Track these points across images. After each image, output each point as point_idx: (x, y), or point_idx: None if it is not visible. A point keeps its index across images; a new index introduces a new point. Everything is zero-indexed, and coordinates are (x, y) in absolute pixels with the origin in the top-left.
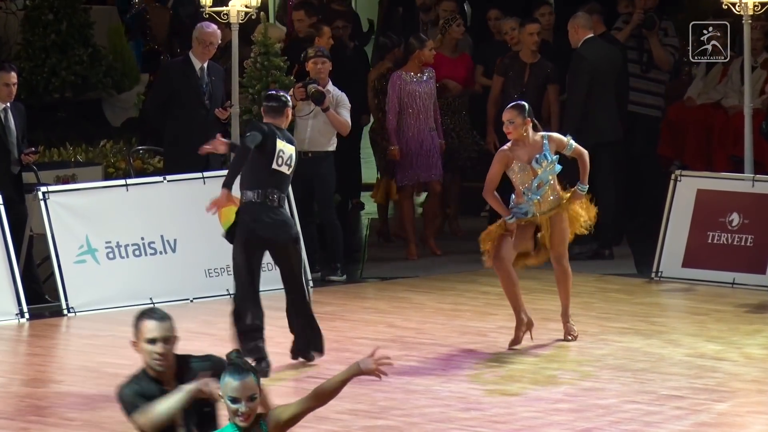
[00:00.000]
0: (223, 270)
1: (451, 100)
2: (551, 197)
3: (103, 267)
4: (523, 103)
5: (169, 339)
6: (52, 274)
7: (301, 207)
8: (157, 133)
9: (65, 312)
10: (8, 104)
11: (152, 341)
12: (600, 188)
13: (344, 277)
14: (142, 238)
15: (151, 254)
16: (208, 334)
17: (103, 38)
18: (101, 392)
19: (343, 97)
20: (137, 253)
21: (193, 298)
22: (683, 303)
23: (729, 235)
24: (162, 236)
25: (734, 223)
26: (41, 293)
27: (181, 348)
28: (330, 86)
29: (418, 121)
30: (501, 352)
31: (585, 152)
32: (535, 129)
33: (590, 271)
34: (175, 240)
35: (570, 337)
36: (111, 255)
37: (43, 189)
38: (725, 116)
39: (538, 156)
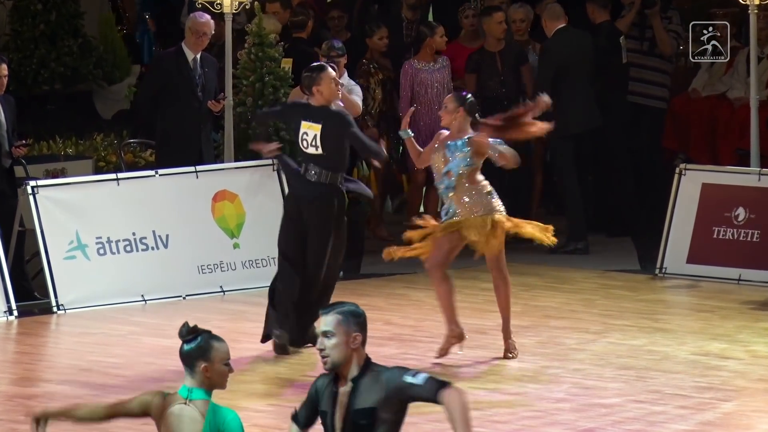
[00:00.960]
0: (216, 266)
1: None
2: (472, 201)
3: (93, 263)
4: (464, 94)
5: (327, 333)
6: (42, 270)
7: None
8: (148, 126)
9: (55, 309)
10: None
11: (317, 336)
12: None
13: (341, 273)
14: (134, 234)
15: (142, 250)
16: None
17: (94, 28)
18: (91, 391)
19: (356, 87)
20: (128, 248)
21: (186, 295)
22: (688, 300)
23: (735, 230)
24: (154, 232)
25: (740, 218)
26: (30, 290)
27: (173, 345)
28: (345, 78)
29: (431, 110)
30: (501, 350)
31: (509, 155)
32: (473, 125)
33: (592, 267)
34: (167, 235)
35: (510, 355)
36: (102, 251)
37: (33, 183)
38: (731, 108)
39: (451, 142)
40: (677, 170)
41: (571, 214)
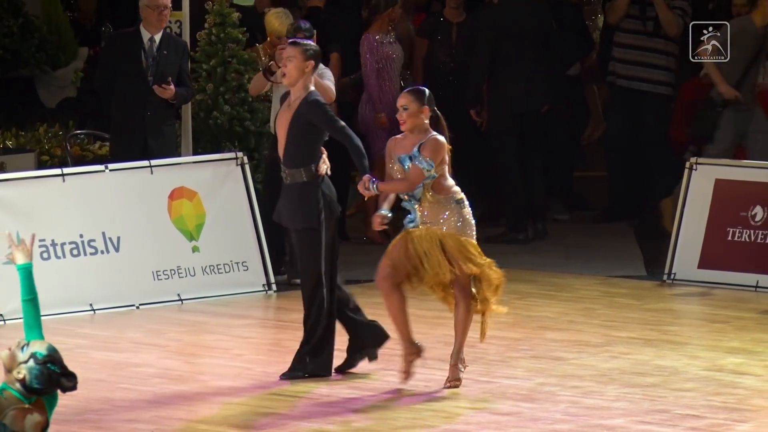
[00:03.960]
0: (173, 272)
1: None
2: (434, 211)
3: (36, 269)
4: (423, 88)
5: None
6: None
7: (273, 202)
8: (98, 116)
9: None
10: None
11: None
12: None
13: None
14: (81, 236)
15: (91, 254)
16: (155, 345)
17: (37, 7)
18: None
19: (327, 71)
20: (75, 252)
21: (139, 305)
22: (699, 309)
23: (752, 231)
24: (104, 233)
25: (758, 218)
26: None
27: (126, 360)
28: None
29: (393, 87)
30: (490, 365)
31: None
32: (435, 123)
33: (593, 273)
34: (118, 238)
35: (449, 385)
36: (45, 255)
37: None
38: None
39: (402, 156)
40: (687, 165)
41: (508, 202)
